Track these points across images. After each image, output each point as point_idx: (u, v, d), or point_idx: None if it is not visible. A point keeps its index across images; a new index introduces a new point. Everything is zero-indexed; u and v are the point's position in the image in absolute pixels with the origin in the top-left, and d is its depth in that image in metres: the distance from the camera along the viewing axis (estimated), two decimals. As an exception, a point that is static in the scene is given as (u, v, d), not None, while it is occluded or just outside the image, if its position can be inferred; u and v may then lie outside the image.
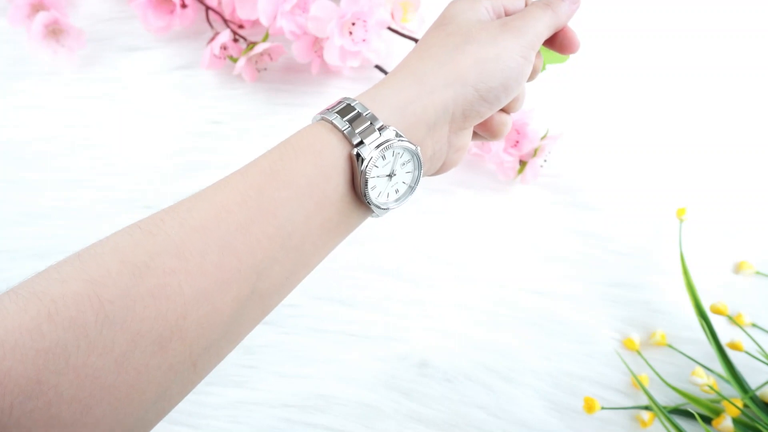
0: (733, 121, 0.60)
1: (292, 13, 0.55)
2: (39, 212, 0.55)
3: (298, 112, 0.59)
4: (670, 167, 0.58)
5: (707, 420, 0.49)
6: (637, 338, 0.53)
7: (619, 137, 0.59)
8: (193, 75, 0.61)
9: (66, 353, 0.25)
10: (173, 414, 0.50)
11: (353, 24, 0.54)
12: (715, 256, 0.55)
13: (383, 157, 0.34)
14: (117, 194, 0.56)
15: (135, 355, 0.27)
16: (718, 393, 0.48)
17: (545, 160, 0.56)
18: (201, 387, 0.51)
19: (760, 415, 0.47)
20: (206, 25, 0.61)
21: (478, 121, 0.38)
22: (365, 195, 0.34)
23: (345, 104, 0.34)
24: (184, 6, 0.58)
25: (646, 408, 0.50)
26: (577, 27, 0.42)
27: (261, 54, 0.57)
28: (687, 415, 0.50)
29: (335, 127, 0.34)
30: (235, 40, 0.58)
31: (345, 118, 0.34)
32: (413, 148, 0.35)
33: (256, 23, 0.60)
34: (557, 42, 0.41)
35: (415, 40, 0.56)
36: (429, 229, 0.56)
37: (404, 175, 0.36)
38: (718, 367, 0.51)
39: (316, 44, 0.57)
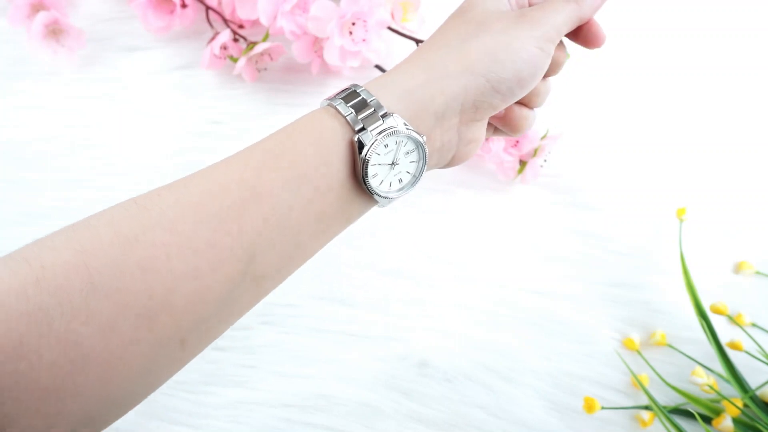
0: (733, 121, 0.60)
1: (292, 13, 0.55)
2: (39, 212, 0.55)
3: (298, 112, 0.59)
4: (670, 167, 0.58)
5: (707, 420, 0.49)
6: (637, 338, 0.53)
7: (619, 137, 0.59)
8: (193, 75, 0.61)
9: (49, 318, 0.26)
10: (173, 414, 0.50)
11: (353, 24, 0.54)
12: (715, 256, 0.55)
13: (385, 145, 0.34)
14: (117, 194, 0.56)
15: (119, 325, 0.27)
16: (718, 393, 0.48)
17: (545, 160, 0.56)
18: (201, 387, 0.51)
19: (760, 414, 0.47)
20: (206, 25, 0.61)
21: (490, 113, 0.37)
22: (366, 183, 0.34)
23: (351, 90, 0.34)
24: (184, 6, 0.58)
25: (646, 408, 0.50)
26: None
27: (261, 54, 0.57)
28: (687, 414, 0.50)
29: (339, 112, 0.34)
30: (235, 40, 0.58)
31: (349, 104, 0.34)
32: (418, 137, 0.34)
33: (256, 23, 0.60)
34: (581, 36, 0.40)
35: (416, 40, 0.56)
36: (429, 229, 0.56)
37: (408, 165, 0.35)
38: (718, 367, 0.51)
39: (316, 44, 0.57)
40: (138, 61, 0.61)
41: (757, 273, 0.55)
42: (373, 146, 0.33)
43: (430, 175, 0.57)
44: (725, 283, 0.55)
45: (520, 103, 0.40)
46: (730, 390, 0.51)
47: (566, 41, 0.41)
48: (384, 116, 0.33)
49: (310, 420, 0.50)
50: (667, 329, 0.53)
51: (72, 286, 0.26)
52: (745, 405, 0.48)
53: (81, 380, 0.27)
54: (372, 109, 0.33)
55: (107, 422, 0.29)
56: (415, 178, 0.36)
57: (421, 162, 0.35)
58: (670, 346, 0.52)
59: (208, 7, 0.59)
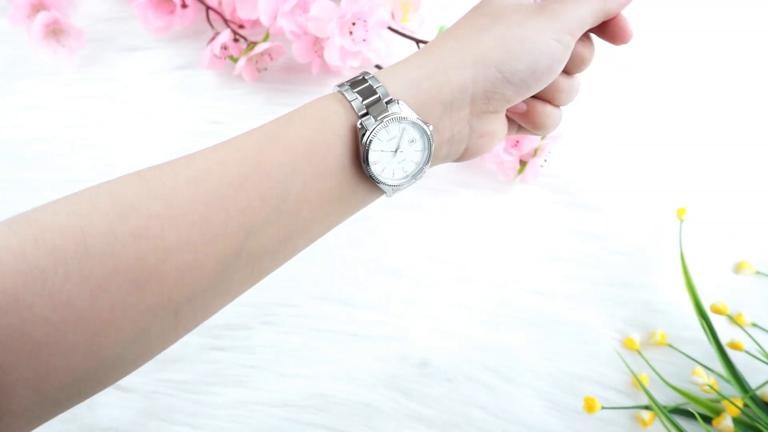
0: (733, 121, 0.60)
1: (292, 13, 0.55)
2: (39, 212, 0.55)
3: (299, 112, 0.59)
4: (670, 167, 0.58)
5: (707, 420, 0.49)
6: (637, 338, 0.53)
7: (619, 137, 0.59)
8: (193, 75, 0.61)
9: (44, 276, 0.27)
10: (174, 414, 0.50)
11: (353, 24, 0.54)
12: (715, 256, 0.55)
13: (388, 131, 0.34)
14: (117, 194, 0.56)
15: (110, 289, 0.28)
16: (719, 393, 0.48)
17: (545, 160, 0.56)
18: (202, 387, 0.51)
19: (760, 414, 0.47)
20: (206, 25, 0.61)
21: (504, 105, 0.37)
22: (367, 168, 0.33)
23: (360, 77, 0.34)
24: (184, 6, 0.58)
25: (647, 408, 0.50)
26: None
27: (261, 54, 0.57)
28: (687, 414, 0.50)
29: (345, 98, 0.34)
30: (236, 40, 0.58)
31: (356, 90, 0.34)
32: (423, 125, 0.34)
33: (256, 23, 0.60)
34: (607, 31, 0.39)
35: (416, 40, 0.56)
36: (429, 229, 0.56)
37: (412, 153, 0.35)
38: (719, 366, 0.51)
39: (317, 44, 0.57)
40: (138, 61, 0.61)
41: (757, 273, 0.55)
42: (375, 131, 0.33)
43: (431, 175, 0.57)
44: (725, 283, 0.55)
45: (543, 99, 0.40)
46: (730, 390, 0.51)
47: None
48: (389, 103, 0.33)
49: (311, 420, 0.50)
50: (667, 329, 0.53)
51: (67, 248, 0.28)
52: (746, 405, 0.48)
53: (72, 338, 0.28)
54: (377, 96, 0.33)
55: (100, 383, 0.30)
56: (419, 168, 0.35)
57: (426, 152, 0.35)
58: (670, 346, 0.52)
59: (208, 7, 0.59)
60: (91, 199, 0.30)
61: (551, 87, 0.39)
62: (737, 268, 0.55)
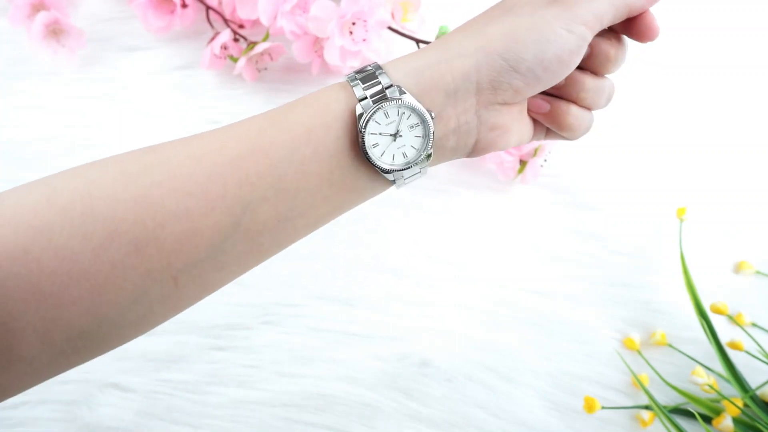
0: (733, 121, 0.60)
1: (292, 13, 0.55)
2: (39, 212, 0.55)
3: (299, 112, 0.59)
4: (670, 167, 0.58)
5: (707, 419, 0.49)
6: (637, 338, 0.53)
7: (619, 137, 0.59)
8: (193, 75, 0.61)
9: (51, 233, 0.30)
10: (174, 414, 0.50)
11: (353, 24, 0.54)
12: (715, 256, 0.56)
13: (386, 115, 0.34)
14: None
15: (111, 249, 0.30)
16: (719, 392, 0.48)
17: (545, 160, 0.56)
18: (202, 387, 0.51)
19: (760, 414, 0.47)
20: (206, 25, 0.60)
21: (514, 96, 0.36)
22: (365, 152, 0.34)
23: (366, 66, 0.35)
24: (184, 6, 0.58)
25: (647, 408, 0.50)
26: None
27: (261, 54, 0.57)
28: (687, 414, 0.50)
29: (348, 85, 0.35)
30: (236, 40, 0.58)
31: (359, 77, 0.34)
32: (421, 110, 0.34)
33: (256, 23, 0.60)
34: (631, 27, 0.37)
35: (416, 40, 0.56)
36: (429, 229, 0.56)
37: (413, 139, 0.35)
38: (719, 366, 0.51)
39: (317, 44, 0.57)
40: (138, 61, 0.61)
41: (757, 273, 0.55)
42: (373, 114, 0.34)
43: (431, 175, 0.57)
44: (725, 283, 0.55)
45: (568, 99, 0.39)
46: (730, 390, 0.51)
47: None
48: (389, 88, 0.34)
49: (311, 420, 0.50)
50: (667, 329, 0.53)
51: (74, 209, 0.30)
52: (745, 405, 0.48)
53: (75, 292, 0.30)
54: (378, 81, 0.34)
55: (104, 341, 0.32)
56: (420, 154, 0.35)
57: (427, 138, 0.35)
58: (670, 345, 0.52)
59: (208, 7, 0.59)
60: (102, 166, 0.32)
61: (574, 85, 0.38)
62: (737, 268, 0.55)
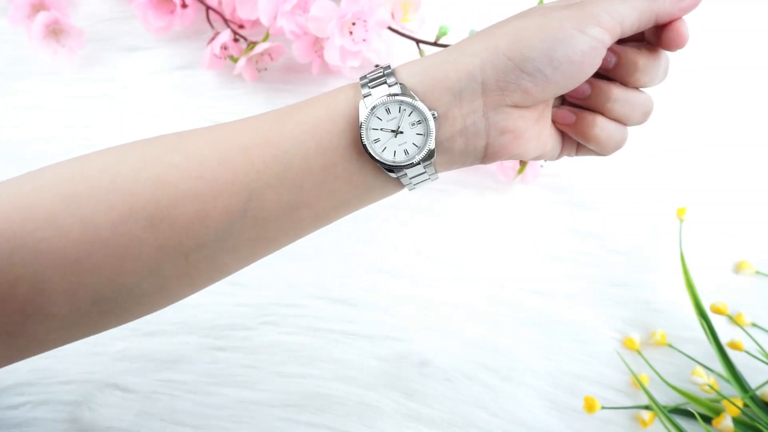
0: (733, 121, 0.60)
1: (292, 13, 0.55)
2: (39, 212, 0.55)
3: (299, 112, 0.59)
4: (670, 167, 0.58)
5: (707, 419, 0.49)
6: (637, 338, 0.53)
7: (619, 137, 0.59)
8: (193, 75, 0.61)
9: (78, 203, 0.33)
10: (175, 414, 0.50)
11: (353, 24, 0.54)
12: (715, 256, 0.56)
13: (387, 111, 0.35)
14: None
15: (129, 222, 0.33)
16: (718, 392, 0.48)
17: (545, 160, 0.56)
18: (202, 387, 0.51)
19: (760, 414, 0.47)
20: (206, 25, 0.60)
21: (523, 98, 0.35)
22: (364, 145, 0.35)
23: (378, 66, 0.36)
24: (184, 6, 0.58)
25: (647, 408, 0.50)
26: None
27: (261, 54, 0.57)
28: (687, 414, 0.50)
29: (359, 83, 0.36)
30: (236, 40, 0.58)
31: (369, 76, 0.36)
32: (422, 107, 0.34)
33: (256, 23, 0.60)
34: (662, 36, 0.36)
35: (416, 40, 0.56)
36: (429, 229, 0.56)
37: (414, 137, 0.35)
38: (718, 366, 0.51)
39: (317, 44, 0.57)
40: (138, 61, 0.61)
41: (757, 273, 0.55)
42: (374, 110, 0.35)
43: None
44: (725, 283, 0.55)
45: (595, 110, 0.37)
46: (730, 390, 0.51)
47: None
48: (391, 85, 0.35)
49: (311, 420, 0.50)
50: (667, 329, 0.53)
51: (101, 184, 0.33)
52: (745, 405, 0.48)
53: (96, 260, 0.33)
54: (383, 80, 0.35)
55: (125, 310, 0.35)
56: (421, 151, 0.35)
57: (428, 137, 0.35)
58: (670, 346, 0.52)
59: (208, 7, 0.59)
60: (132, 146, 0.35)
61: (600, 95, 0.37)
62: (737, 268, 0.55)
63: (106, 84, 0.60)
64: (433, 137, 0.35)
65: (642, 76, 0.37)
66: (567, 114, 0.38)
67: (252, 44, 0.57)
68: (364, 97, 0.35)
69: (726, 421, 0.48)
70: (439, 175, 0.38)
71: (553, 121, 0.39)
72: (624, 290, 0.55)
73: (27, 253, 0.32)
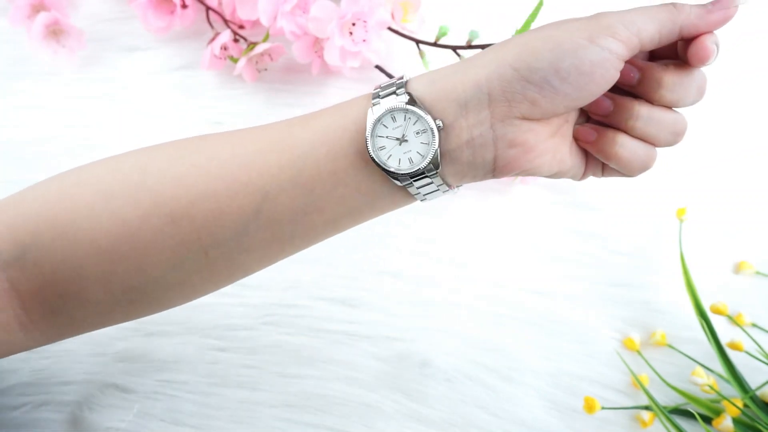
0: (733, 121, 0.60)
1: (292, 14, 0.55)
2: (39, 212, 0.55)
3: (298, 112, 0.59)
4: (670, 167, 0.58)
5: (707, 420, 0.49)
6: (637, 338, 0.53)
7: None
8: (193, 75, 0.61)
9: (111, 197, 0.36)
10: (176, 414, 0.50)
11: (353, 24, 0.54)
12: (715, 256, 0.56)
13: (393, 119, 0.35)
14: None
15: (153, 218, 0.35)
16: (718, 393, 0.48)
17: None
18: (203, 387, 0.51)
19: (760, 414, 0.47)
20: (206, 25, 0.60)
21: (531, 110, 0.34)
22: (369, 152, 0.35)
23: (393, 77, 0.38)
24: (184, 6, 0.58)
25: (646, 408, 0.50)
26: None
27: (261, 54, 0.57)
28: (687, 415, 0.50)
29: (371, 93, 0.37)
30: (236, 41, 0.58)
31: (381, 86, 0.36)
32: (425, 116, 0.34)
33: (256, 23, 0.60)
34: (687, 50, 0.34)
35: (416, 41, 0.56)
36: (429, 229, 0.56)
37: (419, 145, 0.35)
38: (718, 367, 0.51)
39: (317, 44, 0.57)
40: (138, 61, 0.61)
41: (757, 273, 0.55)
42: (381, 118, 0.35)
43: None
44: (725, 283, 0.55)
45: (617, 128, 0.36)
46: (730, 390, 0.51)
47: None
48: (399, 95, 0.35)
49: (311, 420, 0.50)
50: (667, 329, 0.53)
51: (132, 180, 0.36)
52: (745, 405, 0.48)
53: (124, 250, 0.35)
54: (393, 90, 0.36)
55: (152, 298, 0.38)
56: (425, 160, 0.35)
57: (432, 146, 0.35)
58: (670, 346, 0.52)
59: (208, 8, 0.59)
60: (162, 146, 0.38)
61: (623, 111, 0.35)
62: (737, 268, 0.55)
63: (106, 84, 0.60)
64: (437, 146, 0.35)
65: (667, 94, 0.35)
66: (588, 131, 0.37)
67: (252, 45, 0.57)
68: (373, 105, 0.36)
69: (726, 422, 0.48)
70: (458, 188, 0.38)
71: (576, 139, 0.38)
72: (624, 290, 0.55)
73: (67, 241, 0.35)
